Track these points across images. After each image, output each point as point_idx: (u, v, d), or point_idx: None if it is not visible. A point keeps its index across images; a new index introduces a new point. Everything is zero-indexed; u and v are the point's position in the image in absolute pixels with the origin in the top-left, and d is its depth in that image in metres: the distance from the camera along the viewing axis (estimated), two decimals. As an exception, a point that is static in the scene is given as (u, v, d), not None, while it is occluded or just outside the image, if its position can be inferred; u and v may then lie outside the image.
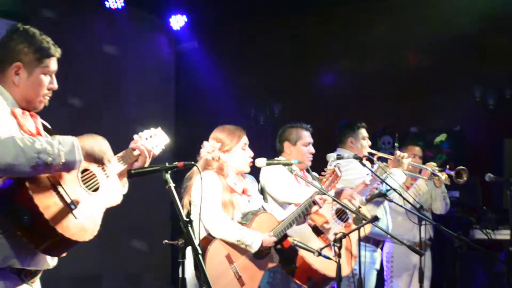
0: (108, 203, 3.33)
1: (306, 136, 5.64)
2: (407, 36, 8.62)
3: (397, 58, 8.80)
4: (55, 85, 3.26)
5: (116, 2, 8.34)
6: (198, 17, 9.29)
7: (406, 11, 8.52)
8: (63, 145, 2.94)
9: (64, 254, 3.14)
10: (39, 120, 3.25)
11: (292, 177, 5.20)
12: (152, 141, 3.64)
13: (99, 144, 3.18)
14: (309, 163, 5.61)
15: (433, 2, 8.46)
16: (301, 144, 5.59)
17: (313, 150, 5.63)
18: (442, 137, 8.99)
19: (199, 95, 9.52)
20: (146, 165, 3.52)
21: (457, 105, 8.73)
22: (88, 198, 3.19)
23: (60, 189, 3.03)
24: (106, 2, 8.32)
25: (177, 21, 9.28)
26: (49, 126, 3.32)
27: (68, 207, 3.03)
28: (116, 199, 3.40)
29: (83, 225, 3.09)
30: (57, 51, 3.25)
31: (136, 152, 3.53)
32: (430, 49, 8.59)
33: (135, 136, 3.60)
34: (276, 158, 5.32)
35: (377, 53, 8.84)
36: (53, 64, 3.24)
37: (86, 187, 3.20)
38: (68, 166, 2.97)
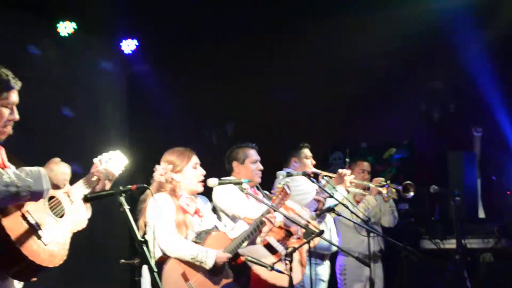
0: (75, 227, 3.44)
1: (253, 154, 5.84)
2: (353, 52, 8.74)
3: (344, 75, 8.92)
4: (16, 116, 3.33)
5: (66, 27, 8.40)
6: (149, 40, 9.34)
7: (352, 26, 8.64)
8: (30, 176, 3.04)
9: (34, 279, 3.22)
10: (3, 152, 3.32)
11: (243, 195, 5.35)
12: (111, 163, 3.75)
13: (62, 171, 3.28)
14: (259, 180, 5.79)
15: (378, 17, 8.55)
16: (249, 162, 5.79)
17: (261, 167, 5.82)
18: (391, 151, 9.21)
19: (153, 118, 9.57)
20: (107, 187, 3.63)
21: (405, 119, 8.92)
22: (56, 224, 3.29)
23: (29, 217, 3.13)
24: (57, 27, 8.38)
25: (128, 45, 9.33)
26: (12, 155, 3.38)
27: (38, 235, 3.14)
28: (81, 223, 3.51)
29: (52, 251, 3.20)
30: (17, 84, 3.32)
31: (95, 178, 3.66)
32: (377, 65, 8.73)
33: (94, 160, 3.70)
34: (227, 178, 5.47)
35: (325, 70, 8.92)
36: (13, 96, 3.30)
37: (53, 213, 3.31)
38: (36, 195, 3.07)
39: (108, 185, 3.63)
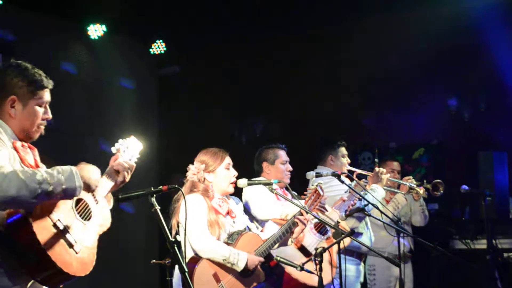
0: (101, 229, 3.46)
1: (282, 155, 5.85)
2: (383, 51, 8.71)
3: (374, 75, 8.89)
4: (50, 115, 3.41)
5: (96, 30, 8.50)
6: (179, 42, 9.42)
7: (383, 26, 8.60)
8: (62, 174, 3.06)
9: (61, 286, 3.25)
10: (36, 153, 3.38)
11: (273, 196, 5.36)
12: (129, 152, 3.72)
13: (93, 172, 3.31)
14: (288, 181, 5.79)
15: (409, 16, 8.50)
16: (279, 163, 5.81)
17: (290, 168, 5.83)
18: (420, 151, 9.16)
19: (183, 118, 9.63)
20: (127, 179, 3.65)
21: (434, 119, 8.87)
22: (84, 228, 3.30)
23: (60, 225, 3.14)
24: (88, 29, 8.48)
25: (158, 46, 9.41)
26: (44, 156, 3.43)
27: (70, 244, 3.16)
28: (106, 223, 3.51)
29: (83, 259, 3.22)
30: (49, 83, 3.40)
31: (116, 170, 3.62)
32: (408, 63, 8.69)
33: (113, 150, 3.70)
34: (256, 178, 5.49)
35: (356, 69, 8.90)
36: (46, 96, 3.39)
37: (81, 217, 3.32)
38: (69, 193, 3.09)
39: (128, 177, 3.63)
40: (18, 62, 3.39)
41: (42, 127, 3.41)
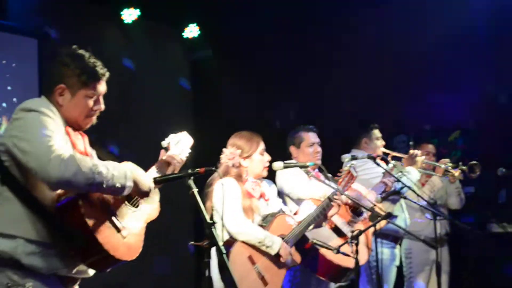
0: (149, 217, 3.49)
1: (309, 136, 5.82)
2: (420, 34, 8.62)
3: (409, 57, 8.81)
4: (102, 107, 3.37)
5: (130, 14, 8.51)
6: (212, 27, 9.41)
7: (420, 8, 8.49)
8: (117, 171, 3.09)
9: (109, 270, 3.28)
10: (87, 140, 3.39)
11: (306, 177, 5.37)
12: (179, 146, 3.79)
13: (144, 178, 3.31)
14: (319, 162, 5.74)
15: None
16: (305, 146, 5.79)
17: (319, 149, 5.80)
18: (456, 134, 9.07)
19: (216, 103, 9.64)
20: (176, 171, 3.67)
21: (471, 102, 8.77)
22: (132, 215, 3.34)
23: (108, 209, 3.19)
24: (121, 14, 8.50)
25: (191, 31, 9.41)
26: (94, 143, 3.46)
27: (117, 229, 3.19)
28: (155, 212, 3.54)
29: (130, 244, 3.25)
30: (104, 74, 3.34)
31: (166, 162, 3.69)
32: (443, 46, 8.59)
33: (163, 144, 3.74)
34: (291, 161, 5.48)
35: (390, 52, 8.83)
36: (99, 87, 3.33)
37: (130, 204, 3.36)
38: (118, 190, 3.11)
39: (177, 169, 3.68)
40: (73, 49, 3.35)
41: (94, 118, 3.39)
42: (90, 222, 3.02)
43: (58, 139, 3.04)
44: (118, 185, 3.08)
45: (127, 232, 3.24)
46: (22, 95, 6.57)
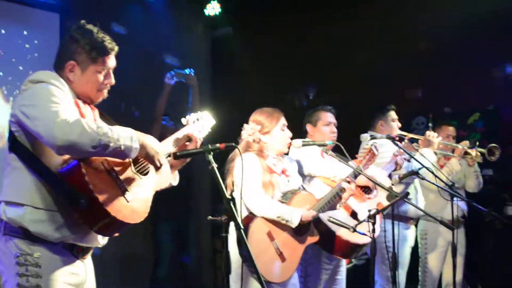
0: (158, 186, 3.51)
1: (326, 116, 5.83)
2: (438, 15, 8.58)
3: (427, 39, 8.78)
4: (112, 81, 3.43)
5: (152, -9, 8.53)
6: (234, 3, 9.40)
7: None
8: (123, 133, 3.13)
9: (116, 235, 3.32)
10: (97, 113, 3.42)
11: (320, 155, 5.39)
12: (199, 124, 3.81)
13: (152, 142, 3.34)
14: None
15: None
16: (321, 125, 5.79)
17: (335, 129, 5.80)
18: (475, 116, 9.04)
19: (236, 80, 9.65)
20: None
21: (490, 84, 8.73)
22: (139, 181, 3.35)
23: (113, 173, 3.20)
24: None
25: (213, 8, 9.42)
26: (105, 115, 3.48)
27: (121, 191, 3.20)
28: (165, 183, 3.57)
29: (134, 208, 3.25)
30: (113, 49, 3.39)
31: (183, 137, 3.72)
32: (463, 27, 8.54)
33: (183, 120, 3.78)
34: (310, 140, 5.49)
35: (410, 34, 8.81)
36: (109, 62, 3.39)
37: (137, 171, 3.37)
38: (125, 152, 3.14)
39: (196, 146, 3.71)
40: (82, 25, 3.39)
41: (105, 91, 3.44)
42: (92, 184, 3.04)
43: (65, 106, 3.10)
44: (123, 146, 3.11)
45: (131, 197, 3.26)
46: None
